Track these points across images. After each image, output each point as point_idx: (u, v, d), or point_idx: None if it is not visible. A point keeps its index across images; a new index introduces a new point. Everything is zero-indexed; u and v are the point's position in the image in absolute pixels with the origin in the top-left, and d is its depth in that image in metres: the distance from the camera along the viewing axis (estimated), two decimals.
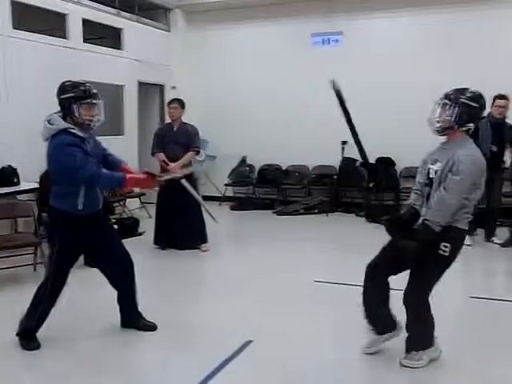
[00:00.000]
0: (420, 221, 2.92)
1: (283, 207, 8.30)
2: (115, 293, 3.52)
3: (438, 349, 3.12)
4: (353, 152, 8.05)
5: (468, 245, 5.91)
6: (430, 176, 2.94)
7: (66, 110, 3.18)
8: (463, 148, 2.84)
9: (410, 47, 7.89)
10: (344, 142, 7.95)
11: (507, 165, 6.11)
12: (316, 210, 8.10)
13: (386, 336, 3.17)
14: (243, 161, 8.98)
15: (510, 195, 6.76)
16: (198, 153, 5.89)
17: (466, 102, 2.84)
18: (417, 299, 2.98)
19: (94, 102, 3.22)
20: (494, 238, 6.04)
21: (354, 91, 7.98)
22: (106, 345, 3.38)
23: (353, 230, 7.08)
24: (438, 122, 2.91)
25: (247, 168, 8.93)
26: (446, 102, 2.87)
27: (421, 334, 3.05)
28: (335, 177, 8.31)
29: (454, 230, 2.87)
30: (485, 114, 3.17)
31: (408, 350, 3.05)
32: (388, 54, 7.95)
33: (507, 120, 5.87)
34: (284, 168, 8.73)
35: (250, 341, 3.37)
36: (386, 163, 8.10)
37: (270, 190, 8.69)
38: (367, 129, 7.72)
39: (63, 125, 3.14)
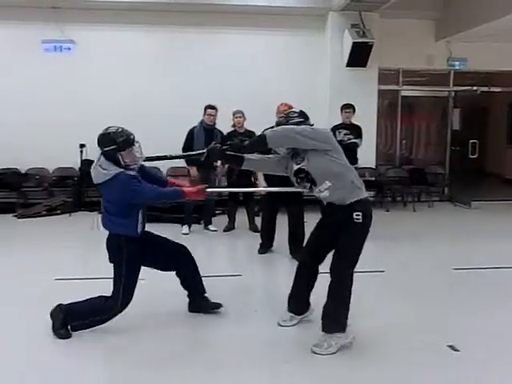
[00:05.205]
0: None
1: (25, 210, 8.33)
2: None
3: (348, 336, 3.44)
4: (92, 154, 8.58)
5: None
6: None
7: (111, 158, 3.52)
8: None
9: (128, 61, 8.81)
10: (82, 146, 8.40)
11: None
12: (59, 211, 8.38)
13: None
14: None
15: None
16: None
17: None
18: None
19: (133, 147, 3.56)
20: (210, 226, 7.28)
21: (91, 97, 8.58)
22: None
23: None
24: None
25: None
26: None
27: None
28: (76, 178, 8.71)
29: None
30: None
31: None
32: (117, 64, 8.70)
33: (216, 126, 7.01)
34: (23, 171, 8.81)
35: None
36: None
37: (8, 193, 8.59)
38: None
39: (117, 169, 3.50)
